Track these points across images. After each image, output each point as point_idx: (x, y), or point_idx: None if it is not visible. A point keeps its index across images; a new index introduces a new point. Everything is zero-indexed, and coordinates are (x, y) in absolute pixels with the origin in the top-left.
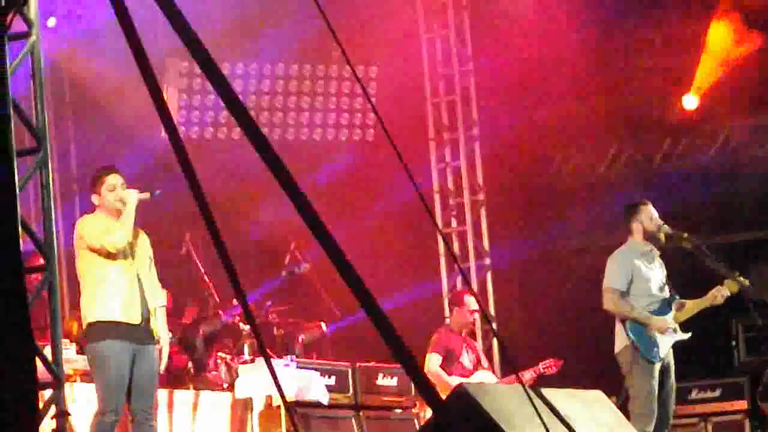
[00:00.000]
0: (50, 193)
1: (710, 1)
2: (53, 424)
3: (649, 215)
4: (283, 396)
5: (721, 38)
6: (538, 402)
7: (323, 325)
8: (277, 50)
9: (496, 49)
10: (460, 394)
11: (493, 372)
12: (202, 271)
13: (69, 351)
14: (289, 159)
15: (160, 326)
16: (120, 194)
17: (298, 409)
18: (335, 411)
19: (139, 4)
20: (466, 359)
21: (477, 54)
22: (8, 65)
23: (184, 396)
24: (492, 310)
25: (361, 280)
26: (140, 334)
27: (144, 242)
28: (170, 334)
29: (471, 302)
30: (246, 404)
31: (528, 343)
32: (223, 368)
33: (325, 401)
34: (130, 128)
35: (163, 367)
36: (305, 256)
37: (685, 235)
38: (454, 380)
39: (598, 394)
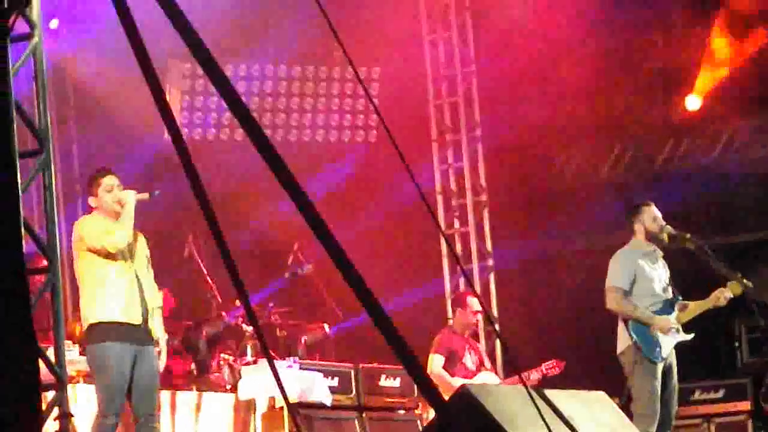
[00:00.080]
0: (53, 194)
1: (712, 2)
2: (56, 425)
3: (652, 216)
4: (286, 397)
5: (723, 40)
6: (540, 403)
7: (326, 326)
8: (280, 51)
9: (498, 51)
10: (463, 395)
11: (496, 373)
12: (205, 272)
13: (72, 352)
14: (292, 160)
15: (157, 327)
16: (117, 195)
17: (301, 411)
18: (338, 412)
19: (142, 6)
20: (469, 360)
21: (479, 55)
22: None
23: (187, 397)
24: (495, 311)
25: (363, 281)
26: (140, 334)
27: (141, 243)
28: (167, 335)
29: (474, 303)
30: (249, 405)
31: (531, 344)
32: (226, 369)
33: (328, 402)
34: (132, 130)
35: (162, 367)
36: (308, 258)
37: (688, 235)
38: (457, 381)
39: (600, 395)
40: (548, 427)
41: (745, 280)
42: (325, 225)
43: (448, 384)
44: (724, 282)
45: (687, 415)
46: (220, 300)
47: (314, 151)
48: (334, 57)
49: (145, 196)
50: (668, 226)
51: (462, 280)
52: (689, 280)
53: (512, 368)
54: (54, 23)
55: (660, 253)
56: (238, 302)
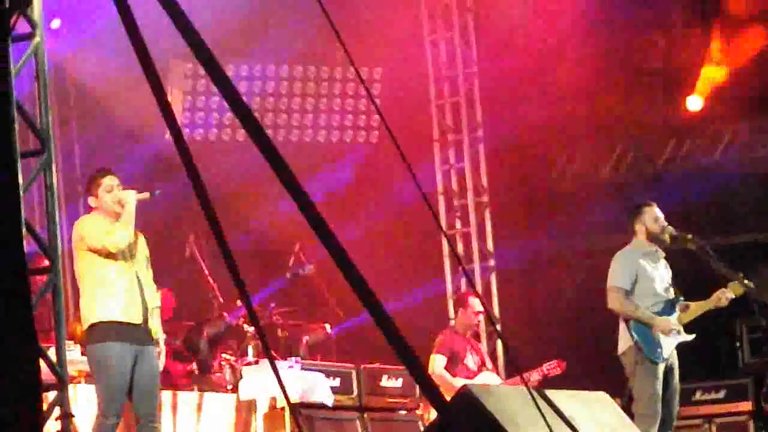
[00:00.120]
0: (54, 194)
1: (712, 2)
2: (57, 425)
3: (653, 216)
4: (287, 397)
5: (723, 40)
6: (542, 403)
7: (327, 326)
8: (281, 51)
9: (500, 51)
10: (464, 395)
11: (497, 373)
12: (206, 272)
13: (73, 352)
14: (293, 161)
15: (156, 327)
16: (118, 195)
17: (302, 411)
18: (339, 412)
19: (143, 6)
20: (471, 361)
21: (481, 56)
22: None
23: (188, 397)
24: (496, 312)
25: (364, 281)
26: (141, 334)
27: (141, 242)
28: (165, 335)
29: (475, 304)
30: (250, 406)
31: (532, 345)
32: (227, 370)
33: (329, 403)
34: (134, 129)
35: (161, 367)
36: (309, 258)
37: (690, 236)
38: (459, 382)
39: (601, 395)
40: (549, 427)
41: (746, 281)
42: (326, 225)
43: (450, 384)
44: (725, 282)
45: (688, 415)
46: (221, 300)
47: (316, 152)
48: (336, 57)
49: (146, 195)
50: (669, 227)
51: (463, 281)
52: (690, 280)
53: (513, 368)
54: (56, 23)
55: (661, 254)
56: (239, 302)
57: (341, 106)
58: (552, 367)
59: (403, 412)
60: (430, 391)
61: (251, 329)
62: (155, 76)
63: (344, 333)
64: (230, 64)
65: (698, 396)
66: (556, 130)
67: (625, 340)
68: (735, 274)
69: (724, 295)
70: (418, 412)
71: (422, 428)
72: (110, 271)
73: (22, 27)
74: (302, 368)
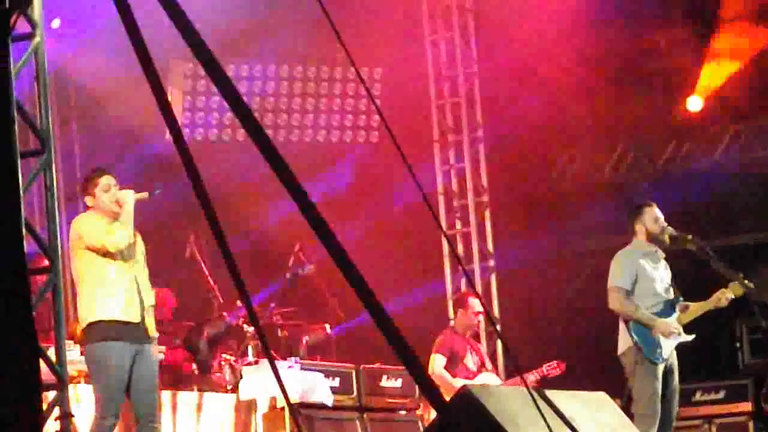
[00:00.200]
0: (54, 195)
1: (713, 2)
2: (57, 425)
3: (653, 217)
4: (287, 398)
5: (724, 40)
6: (541, 404)
7: (327, 327)
8: (282, 52)
9: (500, 51)
10: (464, 395)
11: (497, 374)
12: (207, 272)
13: (73, 352)
14: (293, 161)
15: (153, 325)
16: (115, 195)
17: (302, 411)
18: (339, 413)
19: (143, 6)
20: (470, 361)
21: (481, 56)
22: (12, 66)
23: (188, 397)
24: (496, 312)
25: (364, 282)
26: (139, 333)
27: (138, 241)
28: (157, 334)
29: (475, 304)
30: (250, 406)
31: (532, 345)
32: (227, 370)
33: (329, 403)
34: (134, 130)
35: (161, 356)
36: (309, 258)
37: (690, 236)
38: (458, 382)
39: (601, 396)
40: (549, 427)
41: (746, 281)
42: (326, 225)
43: (450, 384)
44: (725, 283)
45: (688, 416)
46: (221, 300)
47: (316, 152)
48: (336, 57)
49: (145, 195)
50: (669, 227)
51: (463, 281)
52: (690, 281)
53: (513, 369)
54: (56, 23)
55: (661, 254)
56: (239, 302)
57: (341, 106)
58: (552, 368)
59: (403, 413)
60: (430, 391)
61: (251, 329)
62: (155, 76)
63: (344, 333)
64: (230, 64)
65: (698, 396)
66: (556, 130)
67: (624, 341)
68: (735, 274)
69: (724, 296)
70: (418, 412)
71: (422, 428)
72: (110, 271)
73: (22, 27)
74: (302, 368)
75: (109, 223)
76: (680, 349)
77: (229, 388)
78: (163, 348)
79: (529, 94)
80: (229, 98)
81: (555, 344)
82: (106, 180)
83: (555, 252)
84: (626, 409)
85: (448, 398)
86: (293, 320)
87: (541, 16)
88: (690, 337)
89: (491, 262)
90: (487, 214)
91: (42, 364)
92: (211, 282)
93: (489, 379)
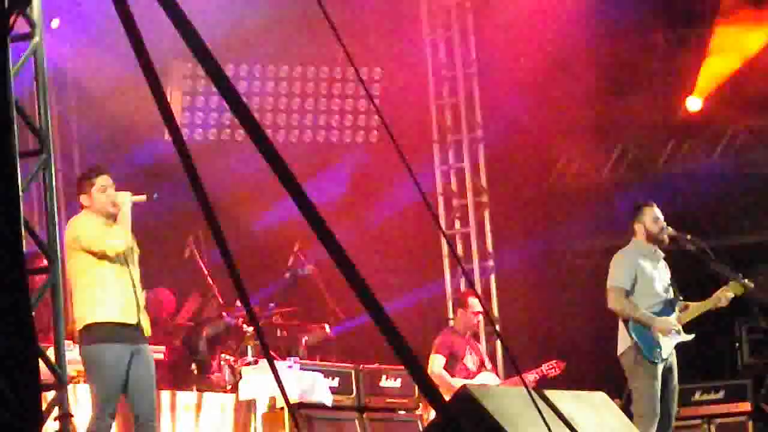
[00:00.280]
0: (53, 195)
1: (712, 2)
2: (56, 425)
3: (653, 216)
4: (286, 398)
5: (723, 40)
6: (541, 404)
7: (327, 327)
8: (281, 52)
9: (499, 51)
10: (464, 395)
11: (497, 374)
12: (206, 272)
13: (72, 352)
14: (293, 161)
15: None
16: (111, 196)
17: (301, 411)
18: (339, 413)
19: (143, 6)
20: (470, 361)
21: (480, 56)
22: (11, 66)
23: (187, 397)
24: (495, 312)
25: (364, 281)
26: (136, 334)
27: (133, 241)
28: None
29: (474, 304)
30: (249, 406)
31: (531, 345)
32: (226, 370)
33: (328, 403)
34: (133, 130)
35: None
36: (309, 258)
37: (689, 236)
38: (458, 382)
39: (601, 396)
40: (548, 427)
41: (746, 281)
42: (325, 225)
43: (449, 384)
44: (724, 282)
45: (687, 415)
46: (220, 300)
47: (315, 152)
48: (336, 57)
49: (142, 198)
50: (669, 227)
51: (462, 281)
52: (690, 280)
53: (513, 369)
54: (55, 23)
55: (661, 254)
56: (238, 303)
57: (341, 106)
58: (551, 368)
59: (403, 413)
60: (429, 391)
61: (250, 329)
62: (154, 76)
63: (343, 333)
64: (229, 63)
65: (697, 396)
66: (556, 130)
67: (624, 341)
68: (734, 274)
69: (724, 295)
70: (418, 412)
71: (421, 428)
72: (107, 272)
73: (21, 27)
74: (301, 368)
75: (105, 224)
76: (680, 349)
77: (228, 388)
78: (162, 348)
79: (528, 94)
80: (228, 98)
81: (554, 344)
82: (102, 180)
83: (554, 252)
84: (625, 408)
85: (447, 398)
86: (293, 320)
87: (540, 17)
88: (689, 337)
89: (490, 262)
90: (487, 214)
91: (41, 365)
92: (211, 282)
93: (488, 378)
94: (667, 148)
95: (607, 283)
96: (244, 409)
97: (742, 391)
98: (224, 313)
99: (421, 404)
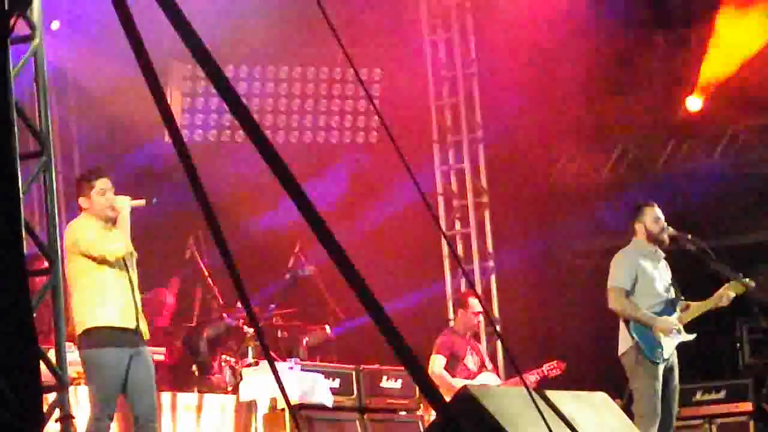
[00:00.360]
0: (54, 196)
1: (713, 2)
2: (57, 427)
3: (654, 216)
4: (287, 399)
5: (723, 40)
6: (541, 404)
7: (327, 327)
8: (281, 53)
9: (499, 51)
10: (464, 396)
11: (497, 374)
12: (206, 273)
13: (73, 354)
14: (293, 162)
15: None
16: (110, 200)
17: (302, 412)
18: (339, 413)
19: (143, 7)
20: (470, 361)
21: (480, 56)
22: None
23: (188, 399)
24: (496, 312)
25: (364, 282)
26: (135, 337)
27: (131, 245)
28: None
29: (475, 304)
30: (250, 407)
31: (532, 345)
32: (227, 371)
33: (329, 404)
34: (133, 131)
35: None
36: (309, 259)
37: (689, 236)
38: (458, 382)
39: (602, 396)
40: (549, 428)
41: (747, 280)
42: (325, 226)
43: (450, 385)
44: (726, 282)
45: (688, 415)
46: (221, 301)
47: (315, 153)
48: (336, 58)
49: (141, 202)
50: (669, 227)
51: (463, 282)
52: (690, 280)
53: (513, 369)
54: (55, 25)
55: (662, 254)
56: (239, 304)
57: (341, 107)
58: (552, 368)
59: (403, 413)
60: (430, 391)
61: (251, 330)
62: (154, 78)
63: (344, 334)
64: (229, 65)
65: (699, 396)
66: (556, 130)
67: (625, 341)
68: (735, 273)
69: (725, 294)
70: (418, 413)
71: (422, 429)
72: (107, 276)
73: (21, 29)
74: (302, 369)
75: (104, 228)
76: (681, 348)
77: (229, 389)
78: (163, 349)
79: (528, 94)
80: (228, 99)
81: (554, 344)
82: (102, 183)
83: (555, 252)
84: (627, 409)
85: (448, 399)
86: (293, 321)
87: (540, 17)
88: (690, 337)
89: (491, 263)
90: (487, 214)
91: (42, 366)
92: (211, 283)
93: (489, 379)
94: (667, 148)
95: (608, 283)
96: (245, 410)
97: (743, 391)
98: (225, 314)
99: (421, 405)
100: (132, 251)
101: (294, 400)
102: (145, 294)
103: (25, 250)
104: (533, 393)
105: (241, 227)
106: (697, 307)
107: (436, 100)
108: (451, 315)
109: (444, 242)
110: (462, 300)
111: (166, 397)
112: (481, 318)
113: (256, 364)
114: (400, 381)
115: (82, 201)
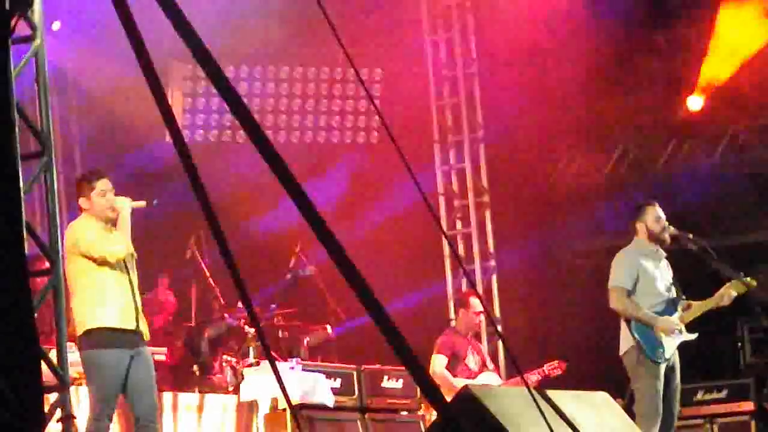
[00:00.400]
0: (55, 197)
1: (713, 2)
2: (59, 427)
3: (655, 216)
4: (288, 399)
5: (724, 40)
6: (543, 404)
7: (328, 327)
8: (281, 53)
9: (500, 52)
10: (465, 395)
11: (499, 374)
12: (207, 273)
13: (74, 354)
14: (293, 162)
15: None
16: (111, 201)
17: (303, 412)
18: (340, 413)
19: (143, 7)
20: (472, 361)
21: (481, 56)
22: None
23: (189, 399)
24: (497, 312)
25: (364, 282)
26: (135, 338)
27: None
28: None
29: (476, 304)
30: (251, 407)
31: (533, 345)
32: (228, 371)
33: (330, 404)
34: (134, 131)
35: None
36: (310, 259)
37: (690, 236)
38: (459, 382)
39: (603, 396)
40: (550, 427)
41: (748, 280)
42: (326, 226)
43: (451, 385)
44: (727, 282)
45: (690, 415)
46: (222, 301)
47: (316, 153)
48: (337, 58)
49: (142, 204)
50: (671, 227)
51: (464, 281)
52: (691, 280)
53: (514, 369)
54: (56, 25)
55: (663, 254)
56: (240, 304)
57: (341, 107)
58: (553, 368)
59: (405, 413)
60: (431, 391)
61: (252, 330)
62: (155, 78)
63: (345, 334)
64: (230, 65)
65: (700, 396)
66: (556, 130)
67: (626, 341)
68: (736, 273)
69: (727, 293)
70: (420, 412)
71: (423, 429)
72: (107, 277)
73: (22, 29)
74: (303, 369)
75: (104, 229)
76: (682, 348)
77: (230, 389)
78: (164, 349)
79: (528, 94)
80: (229, 99)
81: (556, 344)
82: (102, 184)
83: (556, 252)
84: (628, 408)
85: (449, 398)
86: (294, 321)
87: (540, 17)
88: (692, 336)
89: (492, 263)
90: (488, 214)
91: (43, 366)
92: (212, 283)
93: (490, 378)
94: (668, 148)
95: (609, 282)
96: (246, 410)
97: (745, 391)
98: (226, 315)
99: (422, 405)
100: (132, 252)
101: (295, 400)
102: (146, 294)
103: (26, 251)
104: (534, 393)
105: (242, 227)
106: (699, 307)
107: (436, 100)
108: (452, 315)
109: (445, 242)
110: (463, 300)
111: (167, 397)
112: (482, 318)
113: (257, 364)
114: (401, 381)
115: (82, 202)
